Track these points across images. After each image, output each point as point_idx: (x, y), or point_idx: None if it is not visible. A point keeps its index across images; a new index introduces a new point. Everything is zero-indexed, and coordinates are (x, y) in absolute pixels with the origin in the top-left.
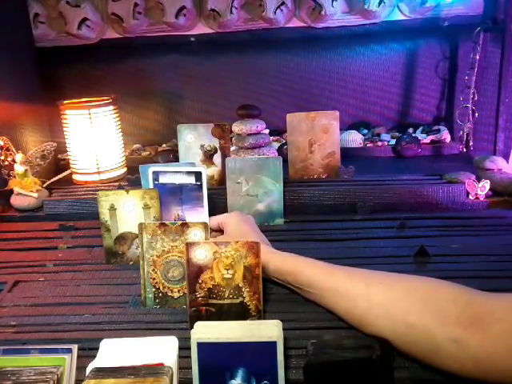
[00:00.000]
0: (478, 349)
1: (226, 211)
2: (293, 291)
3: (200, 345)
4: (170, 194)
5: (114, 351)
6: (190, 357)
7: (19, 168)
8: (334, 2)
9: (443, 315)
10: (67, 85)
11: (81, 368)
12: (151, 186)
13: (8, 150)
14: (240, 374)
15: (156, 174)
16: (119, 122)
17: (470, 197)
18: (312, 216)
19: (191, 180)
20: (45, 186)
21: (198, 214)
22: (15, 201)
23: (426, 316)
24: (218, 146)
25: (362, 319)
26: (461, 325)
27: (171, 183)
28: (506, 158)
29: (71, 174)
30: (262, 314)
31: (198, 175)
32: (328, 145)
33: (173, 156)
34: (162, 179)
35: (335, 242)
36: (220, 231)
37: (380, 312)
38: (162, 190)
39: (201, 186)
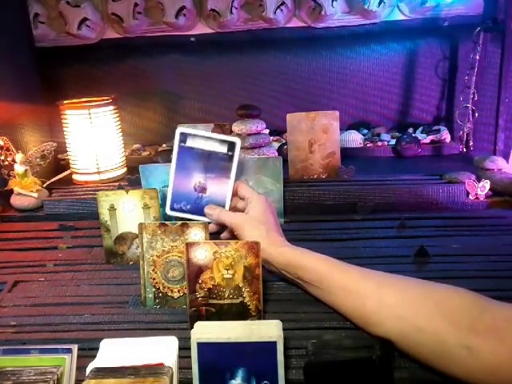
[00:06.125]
0: (491, 357)
1: None
2: (297, 285)
3: (200, 345)
4: (194, 160)
5: (114, 351)
6: (190, 357)
7: (19, 168)
8: (334, 2)
9: (456, 321)
10: (67, 85)
11: (81, 368)
12: (175, 148)
13: (8, 150)
14: (240, 373)
15: (184, 136)
16: (119, 122)
17: (470, 197)
18: (312, 216)
19: (223, 149)
20: (45, 186)
21: (222, 185)
22: (15, 201)
23: (437, 320)
24: None
25: (369, 318)
26: (475, 331)
27: (199, 148)
28: (506, 158)
29: (71, 173)
30: (261, 314)
31: (231, 145)
32: (328, 145)
33: None
34: (190, 142)
35: (335, 241)
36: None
37: (389, 313)
38: (187, 154)
39: (232, 157)
